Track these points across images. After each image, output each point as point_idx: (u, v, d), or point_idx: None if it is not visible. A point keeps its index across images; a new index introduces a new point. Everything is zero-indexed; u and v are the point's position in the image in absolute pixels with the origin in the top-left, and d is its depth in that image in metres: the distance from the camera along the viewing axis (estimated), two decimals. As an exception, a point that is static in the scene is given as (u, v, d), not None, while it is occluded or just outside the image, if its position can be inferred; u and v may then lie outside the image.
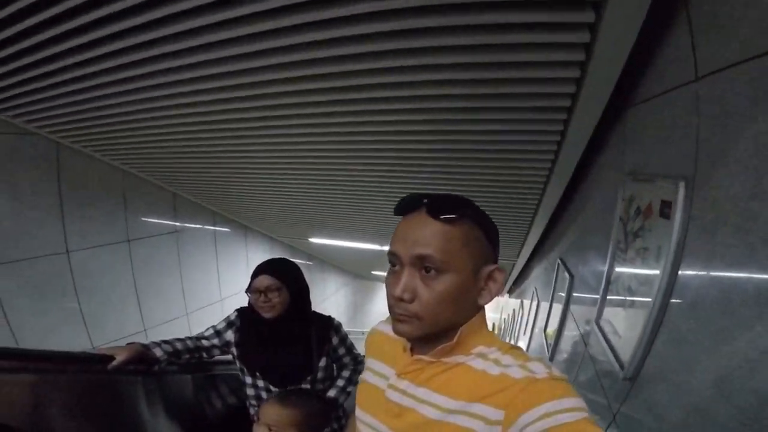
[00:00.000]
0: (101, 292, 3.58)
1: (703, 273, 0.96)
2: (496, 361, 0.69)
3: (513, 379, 0.65)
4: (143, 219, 4.02)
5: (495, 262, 0.75)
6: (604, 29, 1.18)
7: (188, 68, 1.71)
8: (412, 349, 0.78)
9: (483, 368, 0.69)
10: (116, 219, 3.74)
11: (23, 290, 2.97)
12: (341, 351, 1.70)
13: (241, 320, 1.68)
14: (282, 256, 1.73)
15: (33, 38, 1.62)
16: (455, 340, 0.72)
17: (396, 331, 0.73)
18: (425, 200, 0.71)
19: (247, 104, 1.98)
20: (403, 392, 0.74)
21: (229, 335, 1.67)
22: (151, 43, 1.58)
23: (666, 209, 1.11)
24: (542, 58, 1.36)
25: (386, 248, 0.77)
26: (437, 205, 0.70)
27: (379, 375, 0.82)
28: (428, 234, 0.69)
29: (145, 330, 4.04)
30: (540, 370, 0.64)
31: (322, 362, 1.63)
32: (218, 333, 1.68)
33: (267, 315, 1.55)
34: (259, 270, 1.58)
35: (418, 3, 1.20)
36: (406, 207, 0.73)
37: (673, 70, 1.20)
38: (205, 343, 1.67)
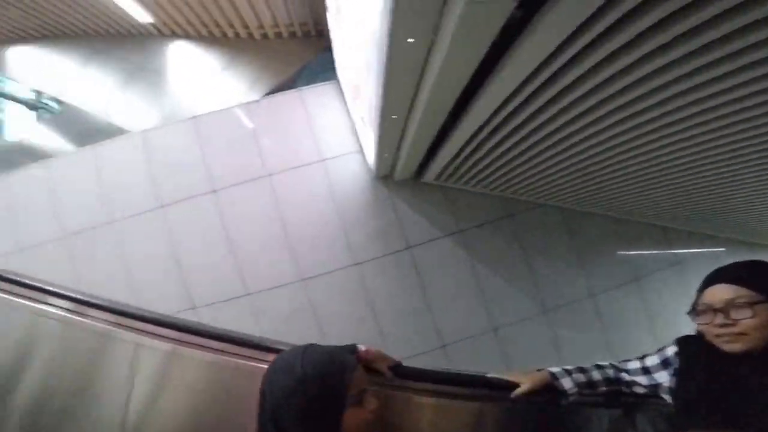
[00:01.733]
0: (622, 328, 4.06)
1: None
2: None
3: None
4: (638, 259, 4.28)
5: None
6: None
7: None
8: None
9: None
10: (624, 262, 4.18)
11: (563, 330, 3.85)
12: None
13: (681, 358, 1.17)
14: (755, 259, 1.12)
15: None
16: None
17: None
18: None
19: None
20: None
21: (662, 377, 1.22)
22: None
23: None
24: None
25: None
26: None
27: None
28: None
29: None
30: None
31: None
32: (645, 371, 1.26)
33: (730, 347, 1.03)
34: (712, 278, 1.07)
35: None
36: None
37: None
38: (625, 376, 1.30)
